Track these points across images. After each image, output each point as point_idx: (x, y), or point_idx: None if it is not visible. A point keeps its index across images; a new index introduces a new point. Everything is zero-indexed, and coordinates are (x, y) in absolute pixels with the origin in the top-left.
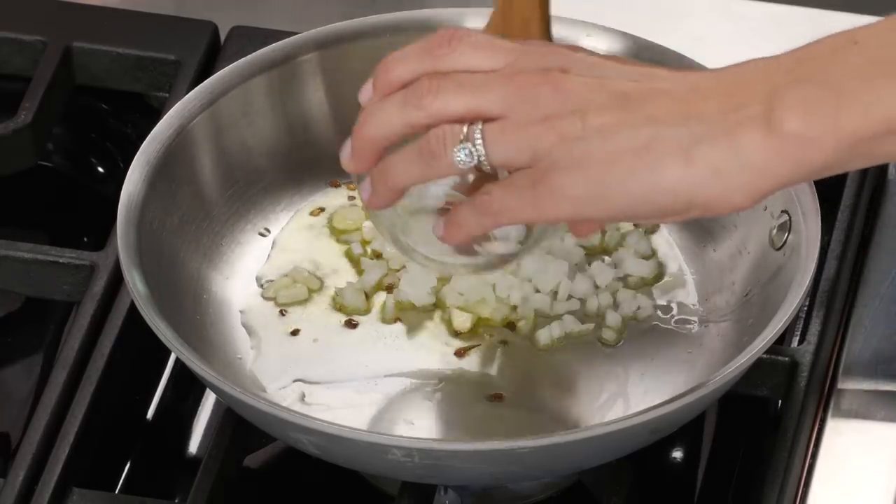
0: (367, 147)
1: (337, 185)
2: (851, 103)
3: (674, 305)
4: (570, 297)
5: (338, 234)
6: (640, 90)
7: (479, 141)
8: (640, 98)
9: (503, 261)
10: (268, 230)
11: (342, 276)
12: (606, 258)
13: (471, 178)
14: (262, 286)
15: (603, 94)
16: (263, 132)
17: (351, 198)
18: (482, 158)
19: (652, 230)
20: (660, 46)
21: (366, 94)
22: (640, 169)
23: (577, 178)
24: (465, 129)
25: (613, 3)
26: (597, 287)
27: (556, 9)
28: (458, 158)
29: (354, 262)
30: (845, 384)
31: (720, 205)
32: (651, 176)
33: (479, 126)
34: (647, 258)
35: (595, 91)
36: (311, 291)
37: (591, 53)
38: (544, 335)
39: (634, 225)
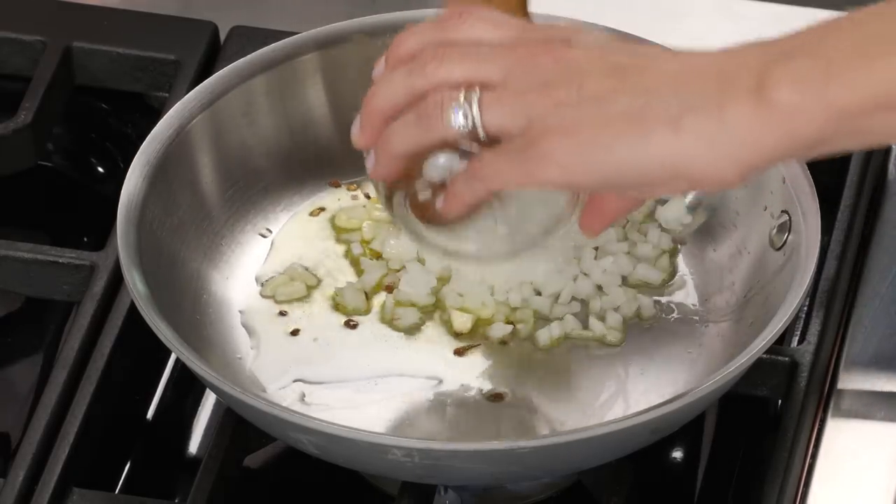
0: (375, 119)
1: (337, 185)
2: (841, 74)
3: (674, 305)
4: (572, 299)
5: (339, 232)
6: (638, 64)
7: (476, 105)
8: (637, 70)
9: (512, 252)
10: (269, 230)
11: (342, 276)
12: (610, 258)
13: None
14: (261, 286)
15: (602, 64)
16: (263, 132)
17: (353, 197)
18: (477, 122)
19: (673, 252)
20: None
21: (378, 69)
22: (628, 135)
23: (567, 143)
24: (462, 93)
25: (613, 3)
26: (599, 289)
27: (556, 9)
28: (453, 119)
29: (354, 262)
30: (845, 384)
31: (707, 177)
32: (639, 143)
33: (477, 91)
34: (665, 253)
35: (594, 61)
36: (309, 288)
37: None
38: (544, 335)
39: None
